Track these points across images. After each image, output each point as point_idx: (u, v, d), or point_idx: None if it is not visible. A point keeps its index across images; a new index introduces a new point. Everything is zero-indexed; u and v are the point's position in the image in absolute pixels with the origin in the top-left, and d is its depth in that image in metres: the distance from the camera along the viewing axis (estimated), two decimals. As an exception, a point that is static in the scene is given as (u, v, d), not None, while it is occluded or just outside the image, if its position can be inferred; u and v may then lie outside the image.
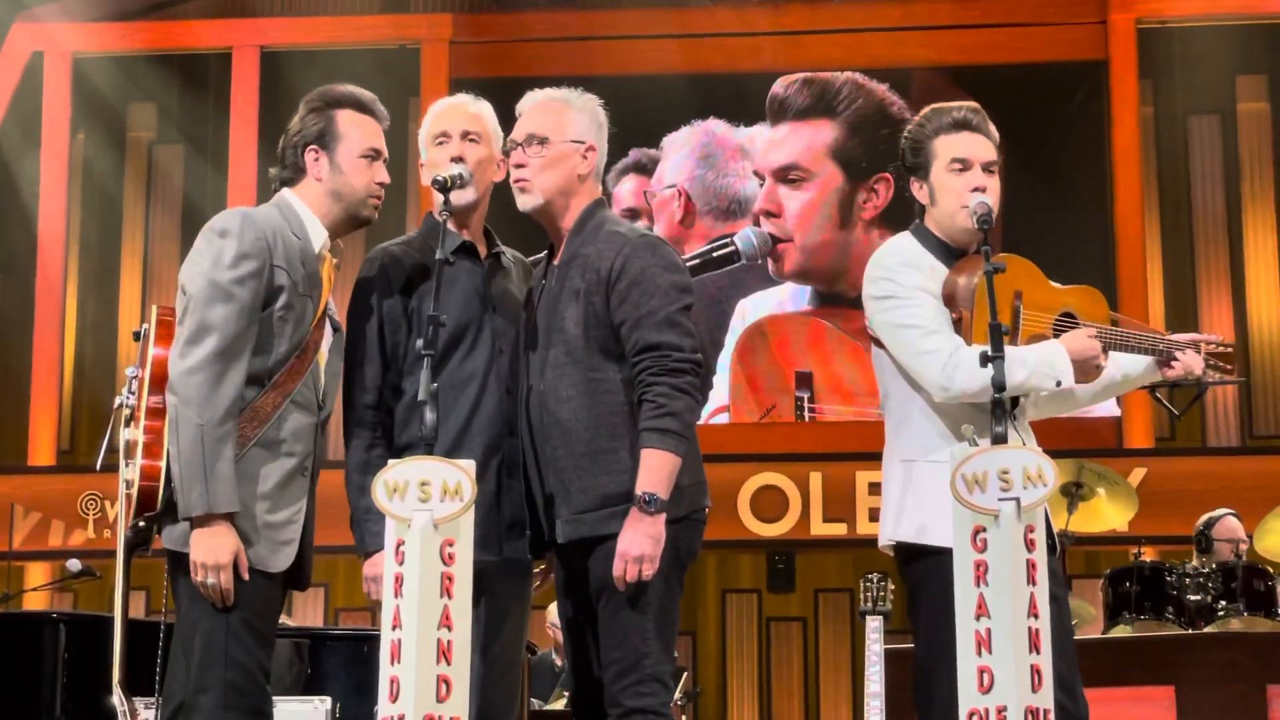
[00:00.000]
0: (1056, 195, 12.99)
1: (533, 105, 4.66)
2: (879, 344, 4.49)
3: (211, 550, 4.19)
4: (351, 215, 4.53)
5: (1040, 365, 4.27)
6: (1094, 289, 4.67)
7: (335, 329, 4.53)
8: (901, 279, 4.38)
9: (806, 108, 13.26)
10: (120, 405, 4.45)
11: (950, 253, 4.42)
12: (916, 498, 4.35)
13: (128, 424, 4.39)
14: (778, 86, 13.23)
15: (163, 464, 4.25)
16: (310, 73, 13.22)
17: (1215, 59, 13.34)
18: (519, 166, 4.59)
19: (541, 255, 4.75)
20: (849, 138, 13.15)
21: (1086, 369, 4.38)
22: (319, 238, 4.47)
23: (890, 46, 13.54)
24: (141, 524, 4.28)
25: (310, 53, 13.51)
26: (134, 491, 4.24)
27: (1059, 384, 4.30)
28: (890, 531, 4.45)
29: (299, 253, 4.40)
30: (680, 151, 13.14)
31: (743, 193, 13.06)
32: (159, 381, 4.31)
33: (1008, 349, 4.16)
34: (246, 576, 4.23)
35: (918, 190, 4.50)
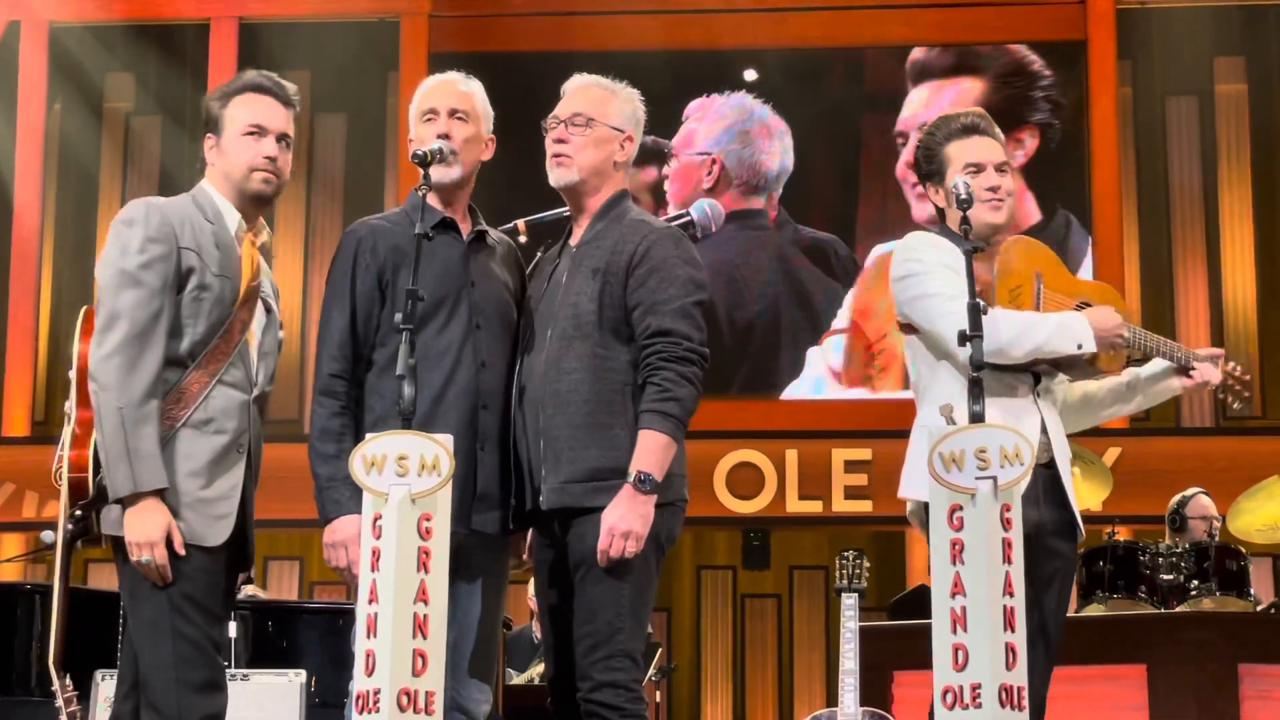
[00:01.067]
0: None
1: (580, 87, 4.71)
2: (907, 329, 4.63)
3: (143, 528, 4.24)
4: (241, 192, 4.56)
5: (1061, 328, 4.41)
6: (1110, 288, 4.84)
7: (268, 309, 4.56)
8: (923, 256, 4.54)
9: (950, 67, 13.31)
10: (69, 408, 4.56)
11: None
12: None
13: (67, 421, 4.50)
14: (916, 53, 13.34)
15: (90, 452, 4.35)
16: (289, 44, 13.20)
17: (1193, 40, 13.37)
18: (560, 142, 4.62)
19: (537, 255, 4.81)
20: (994, 92, 13.14)
21: (1109, 342, 4.49)
22: (233, 220, 4.53)
23: (871, 24, 13.54)
24: (78, 513, 4.37)
25: (288, 25, 13.46)
26: (63, 485, 4.34)
27: (1080, 347, 4.42)
28: (908, 488, 4.59)
29: (211, 235, 4.46)
30: (714, 122, 13.29)
31: (771, 170, 13.16)
32: (85, 375, 4.41)
33: (1026, 313, 4.38)
34: (182, 551, 4.27)
35: (934, 195, 4.67)
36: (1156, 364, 4.75)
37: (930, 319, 4.48)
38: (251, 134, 4.54)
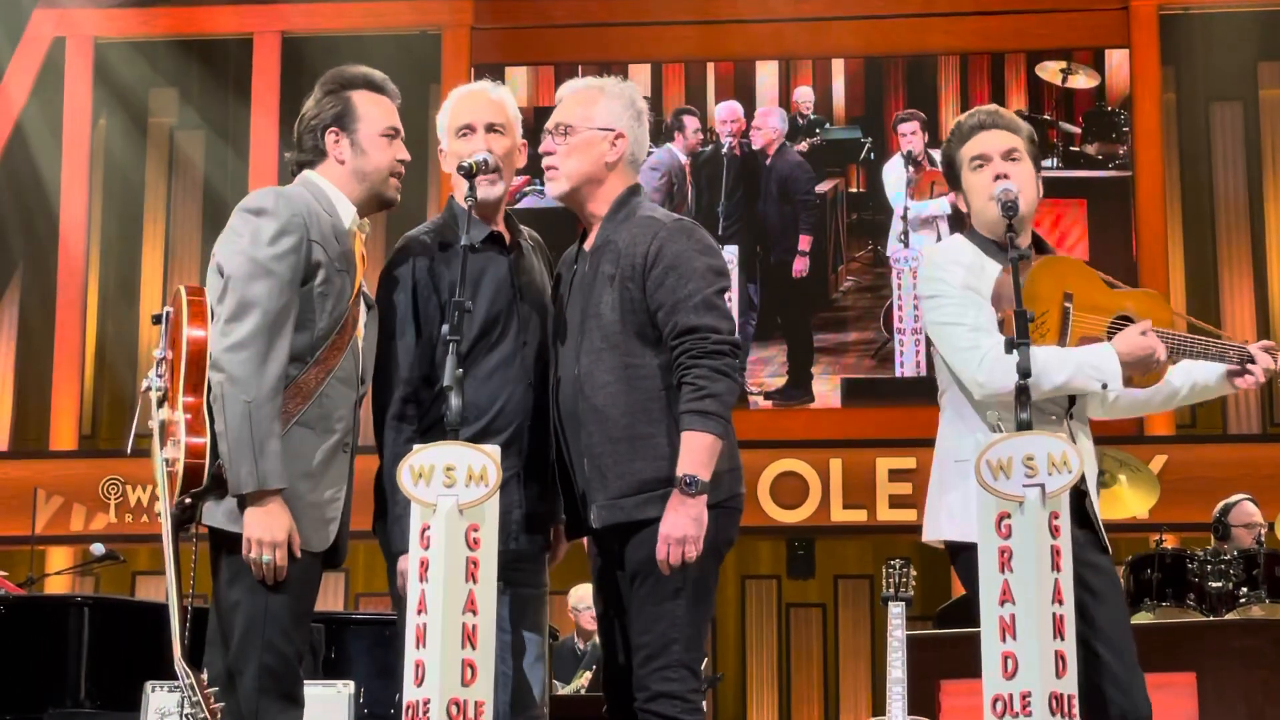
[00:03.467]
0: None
1: (568, 94, 4.65)
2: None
3: (268, 527, 4.18)
4: (375, 194, 4.53)
5: (1084, 367, 4.24)
6: (1156, 292, 4.67)
7: (369, 306, 4.53)
8: (948, 277, 4.41)
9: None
10: (148, 388, 4.41)
11: (1002, 249, 4.41)
12: (963, 496, 4.35)
13: (160, 406, 4.36)
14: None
15: (207, 441, 4.22)
16: (331, 58, 13.12)
17: (1237, 45, 13.31)
18: (548, 154, 4.58)
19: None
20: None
21: (1144, 367, 4.34)
22: (348, 214, 4.47)
23: (912, 33, 13.53)
24: (188, 501, 4.25)
25: (331, 39, 13.52)
26: (178, 469, 4.22)
27: (1105, 386, 4.28)
28: (935, 529, 4.48)
29: (331, 229, 4.40)
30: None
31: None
32: (195, 361, 4.27)
33: (1053, 349, 4.20)
34: (299, 554, 4.23)
35: (959, 201, 4.55)
36: (1209, 366, 4.57)
37: (950, 350, 4.38)
38: (388, 136, 4.52)
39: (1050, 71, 13.32)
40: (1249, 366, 4.52)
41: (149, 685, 6.16)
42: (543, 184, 4.65)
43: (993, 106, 4.60)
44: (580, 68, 12.42)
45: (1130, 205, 13.06)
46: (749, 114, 13.53)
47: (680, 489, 4.26)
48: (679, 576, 4.29)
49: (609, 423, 4.40)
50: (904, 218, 13.22)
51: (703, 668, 9.32)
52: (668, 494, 4.30)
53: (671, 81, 13.55)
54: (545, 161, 4.59)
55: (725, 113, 13.50)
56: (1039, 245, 4.53)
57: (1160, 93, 13.23)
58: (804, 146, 13.48)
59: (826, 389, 13.17)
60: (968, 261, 4.43)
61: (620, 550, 4.41)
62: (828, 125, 13.53)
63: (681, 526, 4.25)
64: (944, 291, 4.40)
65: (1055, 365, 4.20)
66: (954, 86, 13.45)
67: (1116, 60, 13.32)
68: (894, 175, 13.35)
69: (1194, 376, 4.60)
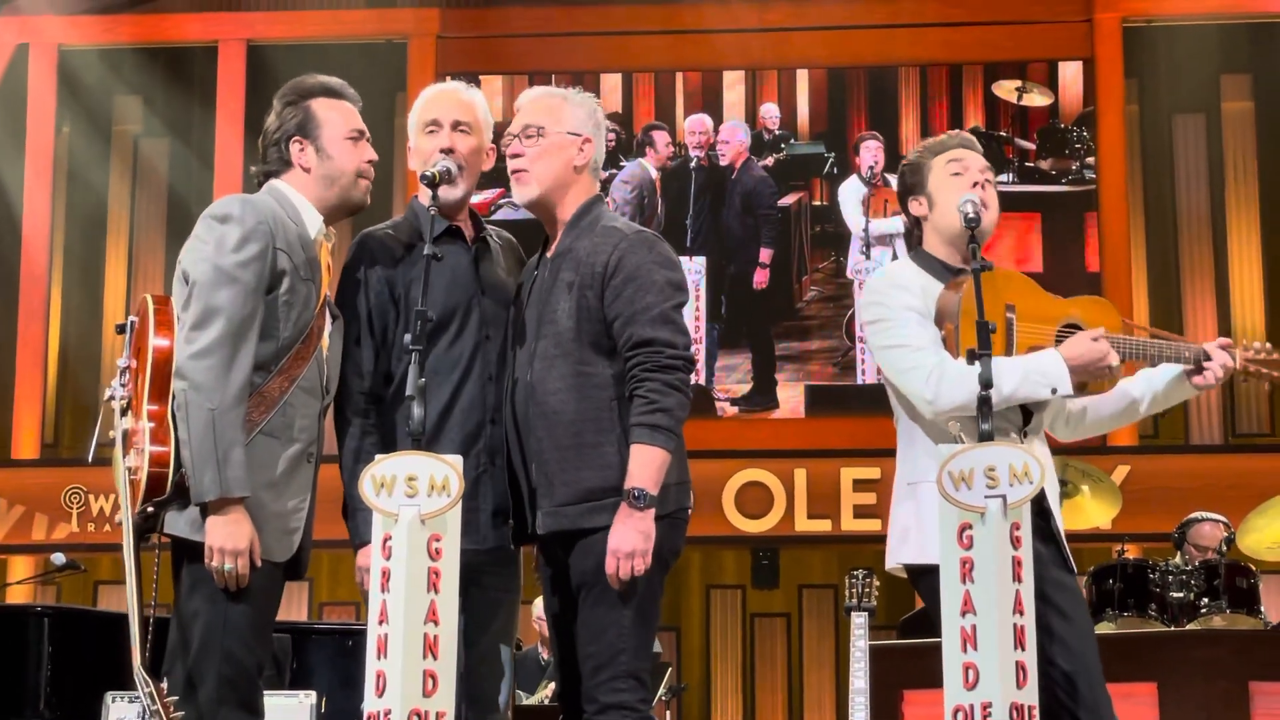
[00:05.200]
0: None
1: (530, 100, 4.65)
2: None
3: (231, 536, 4.18)
4: (344, 198, 4.52)
5: (1031, 374, 4.24)
6: (1104, 299, 4.66)
7: (334, 315, 4.52)
8: (889, 301, 4.41)
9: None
10: (111, 397, 4.40)
11: (950, 271, 4.42)
12: (920, 520, 4.36)
13: (123, 414, 4.35)
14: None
15: (170, 449, 4.21)
16: (296, 67, 13.05)
17: (1200, 58, 13.38)
18: (515, 157, 4.57)
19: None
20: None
21: (1093, 373, 4.34)
22: (314, 223, 4.47)
23: (877, 44, 13.58)
24: (150, 510, 4.23)
25: (297, 47, 13.48)
26: (141, 478, 4.20)
27: (1055, 391, 4.27)
28: (896, 555, 4.49)
29: (297, 237, 4.40)
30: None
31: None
32: (160, 369, 4.26)
33: (999, 359, 4.17)
34: (259, 563, 4.22)
35: (917, 207, 4.53)
36: (1167, 371, 4.56)
37: (894, 372, 4.39)
38: (353, 138, 4.52)
39: (1006, 90, 13.41)
40: (1205, 365, 4.50)
41: (109, 695, 6.14)
42: (519, 195, 4.65)
43: (967, 134, 4.64)
44: (554, 77, 12.43)
45: (1082, 219, 13.16)
46: (716, 128, 13.59)
47: (628, 502, 4.27)
48: (627, 587, 4.30)
49: (558, 429, 4.40)
50: (865, 230, 13.31)
51: (667, 677, 9.33)
52: (612, 504, 4.31)
53: (642, 93, 13.57)
54: (514, 165, 4.58)
55: (694, 125, 13.57)
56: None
57: (1124, 104, 13.30)
58: (769, 161, 13.56)
59: (791, 395, 13.23)
60: (914, 284, 4.43)
61: (565, 559, 4.41)
62: (792, 140, 13.61)
63: (630, 540, 4.26)
64: (884, 315, 4.41)
65: (1002, 374, 4.17)
66: (914, 101, 13.51)
67: (1070, 78, 13.40)
68: (850, 194, 13.46)
69: (1153, 385, 4.60)
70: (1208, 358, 4.51)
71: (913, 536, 4.41)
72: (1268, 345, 4.62)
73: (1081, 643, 4.30)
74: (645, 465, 4.29)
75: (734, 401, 13.27)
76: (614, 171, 13.29)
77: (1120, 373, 4.45)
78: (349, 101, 4.59)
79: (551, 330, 4.45)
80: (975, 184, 4.44)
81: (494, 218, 10.81)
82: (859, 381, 13.13)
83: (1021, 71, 13.46)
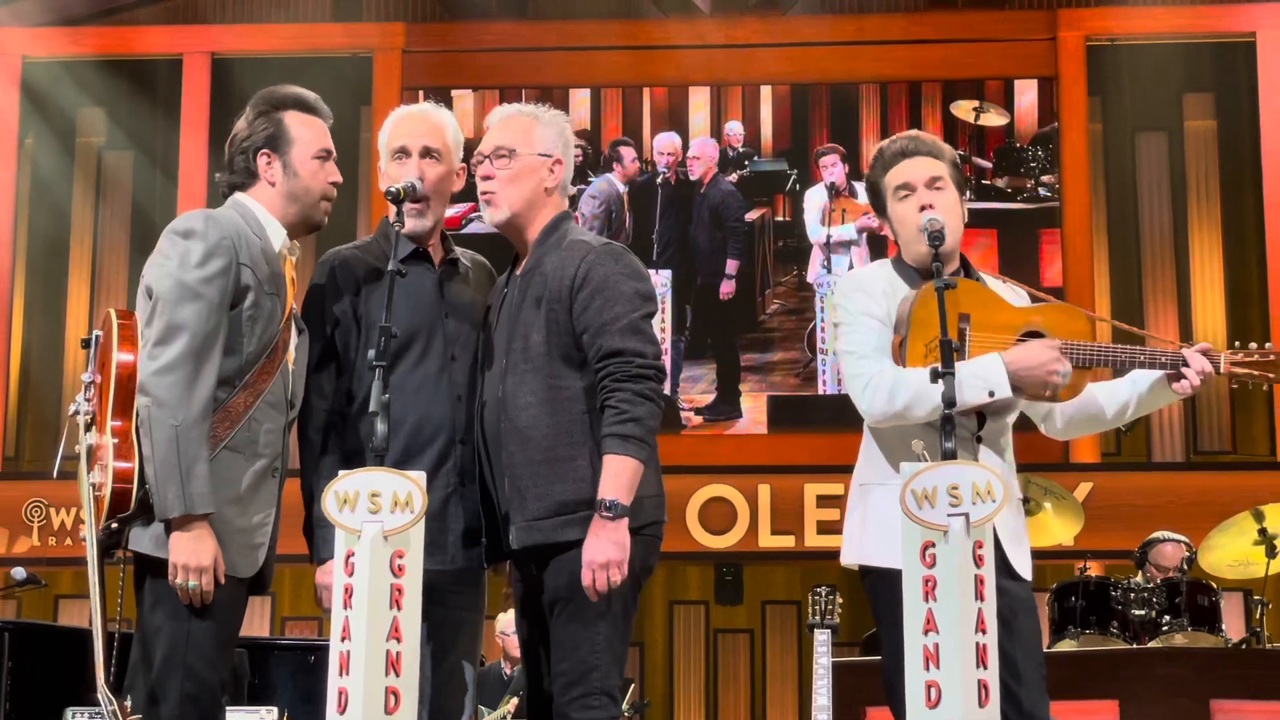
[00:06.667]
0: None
1: (501, 119, 4.64)
2: None
3: (194, 552, 4.16)
4: (305, 217, 4.52)
5: (969, 378, 4.20)
6: (1072, 306, 4.63)
7: (300, 330, 4.51)
8: (848, 305, 4.42)
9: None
10: (76, 412, 4.38)
11: (924, 278, 4.42)
12: (865, 520, 4.38)
13: (87, 430, 4.33)
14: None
15: (135, 465, 4.19)
16: (261, 80, 12.98)
17: (1162, 77, 13.47)
18: (486, 179, 4.57)
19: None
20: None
21: (1037, 378, 4.29)
22: (278, 238, 4.46)
23: (842, 61, 13.62)
24: (114, 526, 4.21)
25: (262, 60, 13.46)
26: (105, 494, 4.18)
27: (992, 394, 4.24)
28: (844, 554, 4.52)
29: (261, 252, 4.38)
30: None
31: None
32: (124, 385, 4.24)
33: (929, 370, 4.14)
34: (223, 580, 4.21)
35: (886, 230, 4.54)
36: (1146, 378, 4.52)
37: (845, 377, 4.40)
38: (320, 158, 4.50)
39: (964, 109, 13.49)
40: (1183, 370, 4.43)
41: (69, 711, 6.12)
42: (490, 210, 4.65)
43: (914, 132, 4.57)
44: (523, 92, 12.44)
45: (1038, 236, 13.23)
46: (685, 144, 13.66)
47: (600, 513, 4.26)
48: (600, 603, 4.29)
49: (530, 444, 4.40)
50: (826, 244, 13.40)
51: (630, 693, 9.31)
52: (587, 517, 4.30)
53: (610, 110, 13.59)
54: (483, 187, 4.57)
55: (662, 145, 13.65)
56: (966, 269, 4.53)
57: (1087, 122, 13.36)
58: (734, 178, 13.63)
59: (754, 405, 13.28)
60: (877, 288, 4.42)
61: (540, 575, 4.41)
62: (756, 158, 13.68)
63: (604, 551, 4.25)
64: (841, 319, 4.43)
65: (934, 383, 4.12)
66: (875, 119, 13.57)
67: (1026, 98, 13.48)
68: (813, 204, 13.55)
69: (1138, 388, 4.56)
70: (1185, 363, 4.45)
71: (855, 539, 4.43)
72: (1254, 345, 4.59)
73: (1023, 648, 4.30)
74: (617, 475, 4.29)
75: (698, 411, 13.31)
76: (582, 187, 13.34)
77: (1085, 378, 4.42)
78: (321, 118, 4.57)
79: (521, 346, 4.45)
80: (923, 206, 4.40)
81: (465, 231, 10.82)
82: (820, 392, 13.20)
83: (981, 90, 13.52)
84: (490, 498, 4.52)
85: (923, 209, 4.39)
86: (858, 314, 4.39)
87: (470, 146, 4.70)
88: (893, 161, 4.48)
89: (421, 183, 4.54)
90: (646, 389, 4.36)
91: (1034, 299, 4.64)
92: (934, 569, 3.91)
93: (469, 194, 4.74)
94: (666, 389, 13.01)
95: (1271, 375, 4.52)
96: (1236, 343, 4.62)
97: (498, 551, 4.55)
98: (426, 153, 4.62)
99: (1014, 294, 4.61)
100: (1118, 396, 4.58)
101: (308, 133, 4.51)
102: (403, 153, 4.62)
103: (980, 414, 4.37)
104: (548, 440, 4.39)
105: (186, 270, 4.27)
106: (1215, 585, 8.27)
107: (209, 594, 4.18)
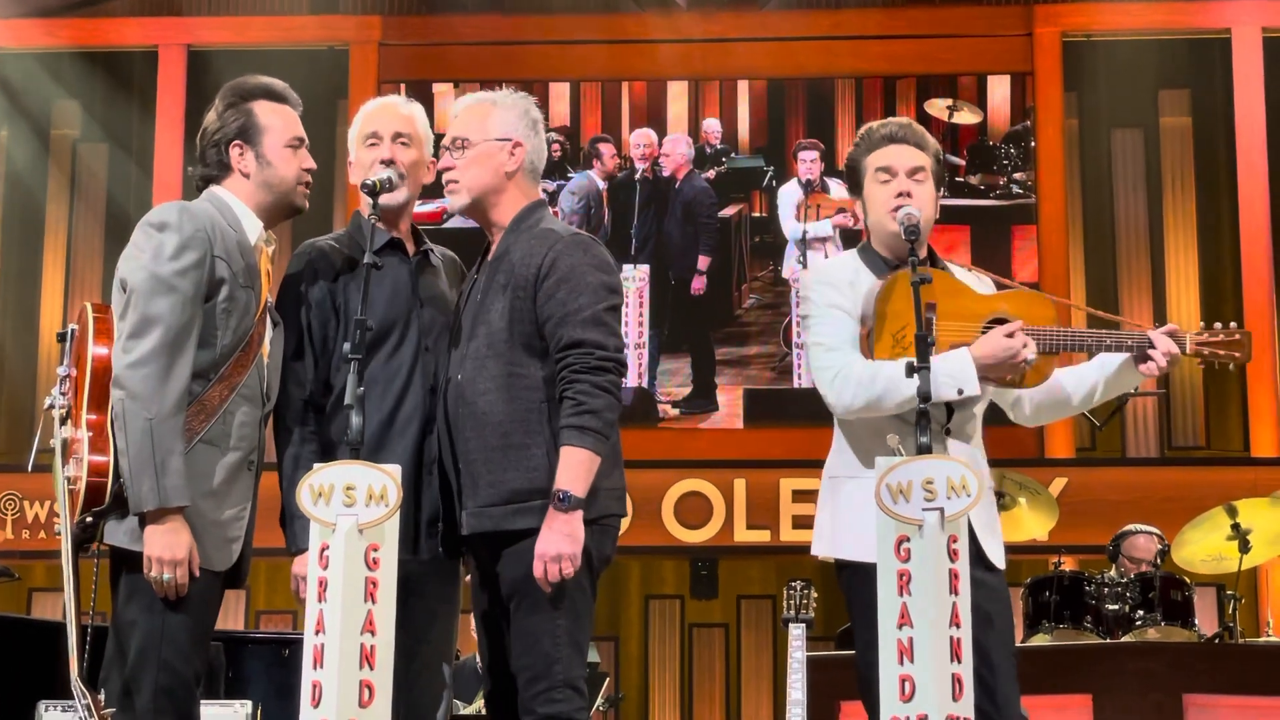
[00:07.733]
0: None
1: (461, 109, 4.68)
2: None
3: (169, 546, 4.16)
4: (284, 205, 4.52)
5: (938, 375, 4.20)
6: (1038, 292, 4.65)
7: (275, 322, 4.50)
8: (815, 296, 4.44)
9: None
10: (51, 405, 4.37)
11: (890, 268, 4.43)
12: (837, 513, 4.39)
13: (63, 423, 4.32)
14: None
15: (109, 459, 4.19)
16: (237, 73, 13.01)
17: (1138, 73, 13.49)
18: (447, 169, 4.59)
19: None
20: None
21: (1006, 368, 4.32)
22: (254, 230, 4.45)
23: (819, 55, 13.63)
24: (89, 519, 4.21)
25: (237, 52, 13.41)
26: (80, 488, 4.17)
27: (961, 392, 4.27)
28: (815, 546, 4.53)
29: (236, 245, 4.38)
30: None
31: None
32: (99, 379, 4.24)
33: (899, 363, 4.18)
34: (198, 573, 4.20)
35: (859, 209, 4.55)
36: (1113, 362, 4.56)
37: (812, 370, 4.41)
38: (293, 146, 4.50)
39: (938, 108, 13.52)
40: (1150, 352, 4.50)
41: (42, 705, 6.09)
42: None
43: (906, 120, 4.59)
44: (503, 85, 12.40)
45: (1010, 231, 13.26)
46: (660, 140, 13.67)
47: (554, 504, 4.26)
48: (557, 595, 4.28)
49: (486, 430, 4.39)
50: (801, 240, 13.43)
51: (605, 686, 9.30)
52: (539, 506, 4.30)
53: (589, 106, 13.59)
54: (445, 176, 4.60)
55: (638, 140, 13.66)
56: (933, 259, 4.54)
57: (1063, 118, 13.39)
58: (711, 175, 13.67)
59: (730, 399, 13.31)
60: (843, 280, 4.43)
61: (492, 564, 4.40)
62: (733, 155, 13.70)
63: (555, 544, 4.25)
64: (810, 311, 4.45)
65: (906, 375, 4.15)
66: (849, 115, 13.58)
67: (999, 96, 13.51)
68: (787, 200, 13.58)
69: (1105, 371, 4.58)
70: (1152, 345, 4.50)
71: (827, 532, 4.46)
72: (1219, 325, 4.61)
73: (991, 638, 4.31)
74: (573, 467, 4.28)
75: (675, 404, 13.33)
76: (562, 183, 13.36)
77: (1053, 364, 4.44)
78: (291, 106, 4.57)
79: (485, 331, 4.45)
80: (900, 193, 4.41)
81: (445, 226, 10.80)
82: (795, 385, 13.22)
83: (955, 87, 13.55)
84: (449, 482, 4.52)
85: (900, 195, 4.40)
86: (824, 306, 4.40)
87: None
88: (879, 144, 4.49)
89: (398, 175, 4.55)
90: (606, 381, 4.36)
91: (999, 286, 4.64)
92: (908, 563, 3.92)
93: (438, 190, 4.75)
94: (643, 381, 13.08)
95: (1237, 355, 4.56)
96: (1202, 323, 4.64)
97: (453, 541, 4.54)
98: (397, 137, 4.65)
99: (980, 282, 4.62)
100: (1085, 380, 4.60)
101: (279, 121, 4.51)
102: (375, 137, 4.66)
103: (948, 406, 4.37)
104: (504, 427, 4.38)
105: (160, 263, 4.26)
106: (1188, 580, 8.29)
107: (184, 587, 4.18)
